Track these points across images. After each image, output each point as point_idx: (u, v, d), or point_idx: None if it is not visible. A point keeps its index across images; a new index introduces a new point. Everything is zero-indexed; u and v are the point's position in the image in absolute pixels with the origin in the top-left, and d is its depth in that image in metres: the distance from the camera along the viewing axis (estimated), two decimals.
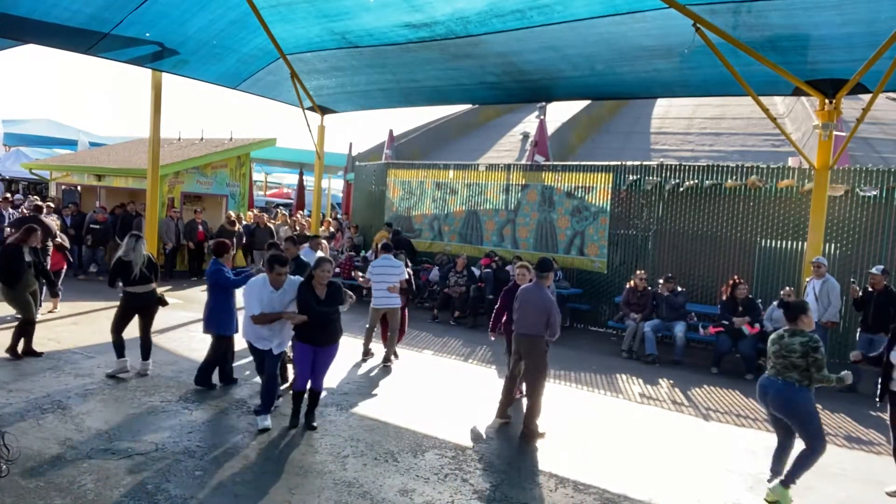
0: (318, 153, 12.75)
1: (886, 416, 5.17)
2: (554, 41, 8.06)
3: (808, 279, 8.54)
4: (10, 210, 13.67)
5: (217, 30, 8.93)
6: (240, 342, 6.42)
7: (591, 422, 6.55)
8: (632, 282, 10.13)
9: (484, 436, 5.87)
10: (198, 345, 8.07)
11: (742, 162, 11.06)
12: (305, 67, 10.48)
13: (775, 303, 8.81)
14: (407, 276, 8.28)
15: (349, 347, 8.12)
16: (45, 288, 8.94)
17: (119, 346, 6.77)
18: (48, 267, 8.29)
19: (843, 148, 8.60)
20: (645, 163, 11.45)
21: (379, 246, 8.88)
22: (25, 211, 13.05)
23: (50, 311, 9.55)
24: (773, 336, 4.99)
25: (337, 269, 11.88)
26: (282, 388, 6.51)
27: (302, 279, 5.66)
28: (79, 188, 16.58)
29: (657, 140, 16.92)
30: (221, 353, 6.65)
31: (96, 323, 9.13)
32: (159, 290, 7.07)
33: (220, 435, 5.41)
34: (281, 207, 22.72)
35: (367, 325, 8.39)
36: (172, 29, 8.72)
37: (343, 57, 9.82)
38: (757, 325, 8.72)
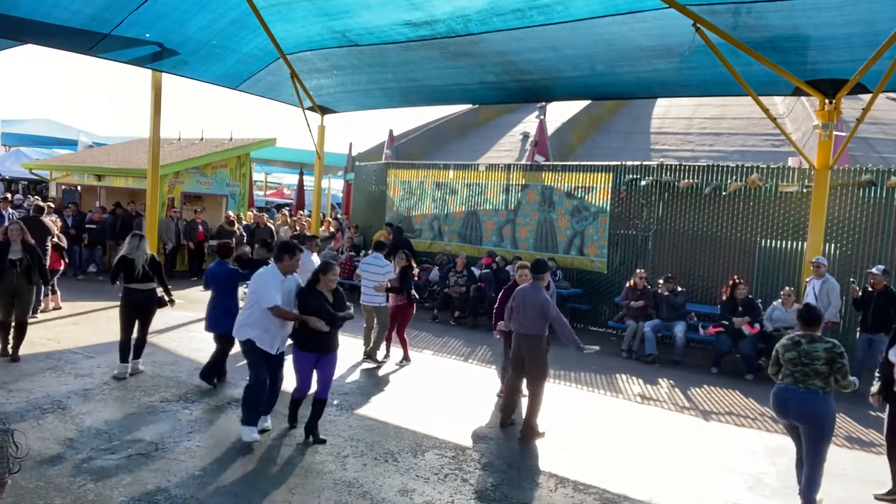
0: (318, 153, 12.75)
1: (885, 416, 5.16)
2: (554, 41, 8.07)
3: (808, 279, 8.54)
4: (11, 210, 13.65)
5: (217, 30, 8.94)
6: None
7: (591, 422, 6.55)
8: (631, 280, 10.14)
9: (484, 436, 5.87)
10: (198, 345, 8.08)
11: (742, 162, 11.07)
12: (305, 67, 10.48)
13: (775, 303, 8.82)
14: (395, 276, 8.13)
15: (349, 347, 8.12)
16: (45, 288, 8.94)
17: (125, 349, 6.72)
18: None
19: (843, 148, 8.60)
20: (645, 163, 11.45)
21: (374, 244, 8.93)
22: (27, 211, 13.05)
23: (53, 309, 9.56)
24: (784, 342, 4.72)
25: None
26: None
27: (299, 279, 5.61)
28: (79, 188, 16.58)
29: (657, 140, 16.91)
30: (226, 352, 6.68)
31: (96, 323, 9.14)
32: (167, 288, 7.05)
33: (220, 435, 5.41)
34: (281, 208, 22.69)
35: (364, 325, 8.42)
36: (172, 29, 8.72)
37: (343, 55, 9.82)
38: (757, 326, 8.71)
